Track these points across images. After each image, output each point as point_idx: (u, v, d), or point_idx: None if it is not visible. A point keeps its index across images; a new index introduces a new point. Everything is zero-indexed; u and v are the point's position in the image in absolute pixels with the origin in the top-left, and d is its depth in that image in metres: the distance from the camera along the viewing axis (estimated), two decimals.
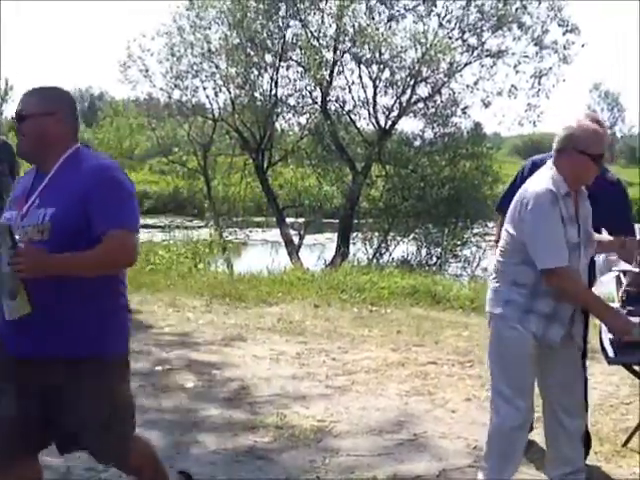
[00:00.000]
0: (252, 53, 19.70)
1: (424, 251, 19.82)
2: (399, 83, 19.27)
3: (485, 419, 4.10)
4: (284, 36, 19.68)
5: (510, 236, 3.79)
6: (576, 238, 3.74)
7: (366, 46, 18.63)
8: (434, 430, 5.15)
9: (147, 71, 20.76)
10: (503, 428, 3.82)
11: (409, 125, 35.87)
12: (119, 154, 35.86)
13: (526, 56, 19.40)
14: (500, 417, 3.83)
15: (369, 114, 20.07)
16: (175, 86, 20.99)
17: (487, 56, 19.56)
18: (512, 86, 19.47)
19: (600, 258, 4.33)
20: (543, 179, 3.75)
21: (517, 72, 19.47)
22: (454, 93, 19.70)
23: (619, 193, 4.42)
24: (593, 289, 4.27)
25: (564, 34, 19.14)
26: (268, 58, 20.05)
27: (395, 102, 19.65)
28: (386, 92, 19.70)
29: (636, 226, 4.40)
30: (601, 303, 3.79)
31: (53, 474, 4.29)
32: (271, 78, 20.14)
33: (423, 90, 19.66)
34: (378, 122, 19.96)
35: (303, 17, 19.55)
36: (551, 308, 3.73)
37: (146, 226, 29.47)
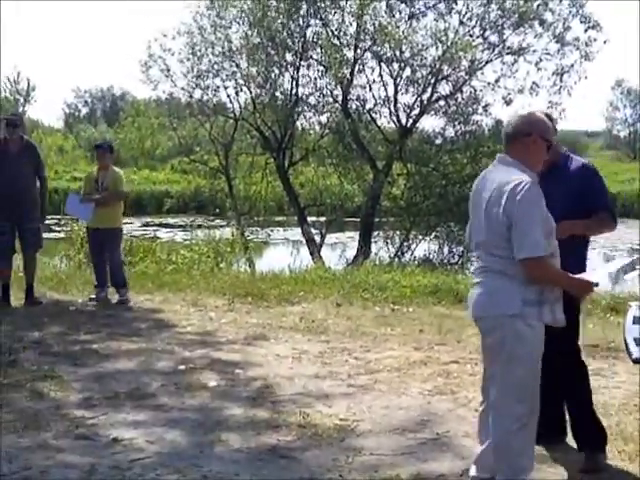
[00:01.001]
0: (273, 52, 19.77)
1: (446, 249, 19.77)
2: (420, 81, 19.28)
3: None
4: (305, 35, 19.75)
5: (499, 235, 3.70)
6: (553, 222, 3.78)
7: (387, 44, 18.64)
8: (457, 429, 5.13)
9: (168, 70, 20.97)
10: (509, 429, 3.78)
11: (430, 123, 35.73)
12: (141, 154, 35.95)
13: (548, 53, 19.38)
14: (504, 418, 3.80)
15: (390, 112, 20.12)
16: (196, 85, 21.16)
17: (508, 53, 19.53)
18: (533, 83, 19.46)
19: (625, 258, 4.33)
20: (514, 173, 3.72)
21: (538, 69, 19.47)
22: (475, 91, 19.68)
23: (595, 176, 4.54)
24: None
25: (586, 31, 19.11)
26: (289, 57, 20.14)
27: (416, 100, 19.67)
28: (407, 90, 19.73)
29: None
30: (565, 275, 3.81)
31: (78, 472, 4.33)
32: (292, 77, 20.24)
33: (444, 88, 19.70)
34: (399, 120, 19.98)
35: (323, 16, 19.59)
36: (557, 293, 3.77)
37: (168, 225, 29.70)
